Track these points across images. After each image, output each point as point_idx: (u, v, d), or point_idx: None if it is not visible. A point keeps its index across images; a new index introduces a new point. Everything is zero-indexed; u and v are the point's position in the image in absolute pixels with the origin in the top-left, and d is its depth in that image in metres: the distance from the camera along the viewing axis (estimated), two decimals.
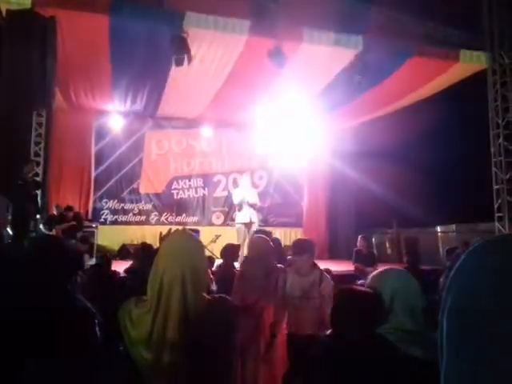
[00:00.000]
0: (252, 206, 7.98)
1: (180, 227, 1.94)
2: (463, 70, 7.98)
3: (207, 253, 9.14)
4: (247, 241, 6.54)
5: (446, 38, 7.87)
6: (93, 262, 6.65)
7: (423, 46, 7.47)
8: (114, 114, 10.19)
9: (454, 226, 9.58)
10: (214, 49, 7.08)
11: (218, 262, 5.60)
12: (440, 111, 8.24)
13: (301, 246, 3.50)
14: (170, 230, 1.97)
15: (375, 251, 8.21)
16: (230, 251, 4.79)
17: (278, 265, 3.66)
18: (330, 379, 1.63)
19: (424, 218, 8.93)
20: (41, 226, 8.56)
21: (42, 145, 9.98)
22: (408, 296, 1.67)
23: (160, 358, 1.52)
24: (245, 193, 8.10)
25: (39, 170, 9.91)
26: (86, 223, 9.24)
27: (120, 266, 5.59)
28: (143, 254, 4.31)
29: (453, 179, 8.50)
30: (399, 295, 1.65)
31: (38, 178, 9.82)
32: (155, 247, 4.56)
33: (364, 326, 1.62)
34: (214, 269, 5.13)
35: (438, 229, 9.71)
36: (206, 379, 1.58)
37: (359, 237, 7.51)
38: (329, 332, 1.80)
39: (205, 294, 1.64)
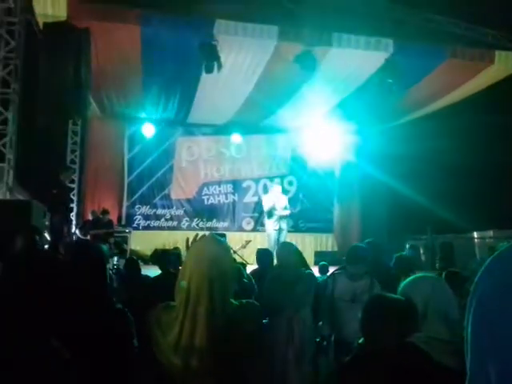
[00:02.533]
0: (282, 218, 7.99)
1: (207, 233, 1.94)
2: (499, 72, 7.73)
3: (237, 258, 9.17)
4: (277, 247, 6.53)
5: (480, 39, 7.65)
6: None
7: (457, 48, 7.29)
8: (146, 121, 10.40)
9: (491, 232, 9.26)
10: (243, 55, 7.13)
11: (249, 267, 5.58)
12: (478, 113, 8.00)
13: (356, 255, 3.43)
14: (197, 235, 1.98)
15: None
16: (264, 256, 4.77)
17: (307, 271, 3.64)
18: None
19: (460, 223, 8.68)
20: (76, 231, 8.82)
21: (78, 152, 10.30)
22: (442, 304, 1.62)
23: (188, 363, 1.53)
24: (275, 200, 8.10)
25: (75, 176, 10.22)
26: (120, 228, 9.45)
27: (153, 271, 5.65)
28: (158, 260, 4.37)
29: (491, 183, 8.23)
30: (433, 303, 1.61)
31: (73, 185, 10.15)
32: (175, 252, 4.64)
33: (396, 334, 1.57)
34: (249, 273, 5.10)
35: (475, 235, 9.40)
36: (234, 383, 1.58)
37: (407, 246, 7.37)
38: (361, 340, 1.76)
39: (232, 300, 1.63)
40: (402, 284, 1.78)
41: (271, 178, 11.41)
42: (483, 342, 0.63)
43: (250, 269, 5.24)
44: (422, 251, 10.30)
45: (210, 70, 6.79)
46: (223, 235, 9.66)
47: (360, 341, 1.75)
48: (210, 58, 6.65)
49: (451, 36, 7.47)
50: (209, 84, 7.94)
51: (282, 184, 11.02)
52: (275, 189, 8.51)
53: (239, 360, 1.59)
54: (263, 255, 4.73)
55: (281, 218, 7.99)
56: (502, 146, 7.94)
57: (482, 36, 7.69)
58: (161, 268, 4.38)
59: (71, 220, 9.56)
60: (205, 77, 7.36)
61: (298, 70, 7.05)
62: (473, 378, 0.65)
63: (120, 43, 6.64)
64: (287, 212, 8.17)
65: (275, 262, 5.68)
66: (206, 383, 1.55)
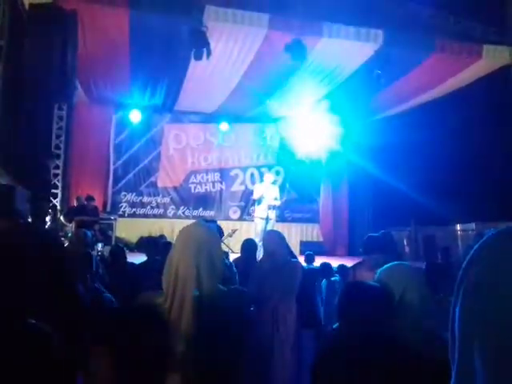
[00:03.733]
0: (271, 207, 8.00)
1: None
2: (487, 66, 7.79)
3: (223, 247, 9.18)
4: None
5: (468, 33, 7.70)
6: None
7: (445, 41, 7.32)
8: (133, 107, 10.27)
9: (473, 225, 9.39)
10: (232, 42, 7.06)
11: (233, 256, 5.61)
12: (464, 107, 8.07)
13: (372, 245, 3.40)
14: None
15: None
16: (249, 246, 4.79)
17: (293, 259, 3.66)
18: (333, 374, 1.59)
19: (443, 215, 8.78)
20: (61, 218, 8.73)
21: (63, 138, 10.14)
22: (419, 291, 1.64)
23: (175, 348, 1.53)
24: (264, 190, 8.10)
25: (60, 162, 10.08)
26: (105, 215, 9.37)
27: (138, 258, 5.64)
28: (145, 246, 4.37)
29: (475, 176, 8.33)
30: (410, 290, 1.62)
31: (58, 171, 10.01)
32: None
33: (371, 321, 1.59)
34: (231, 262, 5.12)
35: (458, 227, 9.52)
36: (220, 369, 1.58)
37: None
38: (335, 326, 1.78)
39: (220, 285, 1.64)
40: (379, 271, 1.79)
41: (258, 168, 11.44)
42: (470, 330, 0.63)
43: (233, 257, 5.27)
44: (405, 242, 10.43)
45: (199, 57, 6.72)
46: (214, 221, 9.73)
47: (334, 326, 1.78)
48: (200, 44, 6.57)
49: (440, 29, 7.50)
50: (197, 71, 7.87)
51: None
52: (267, 178, 8.53)
53: (225, 345, 1.59)
54: (247, 245, 4.76)
55: (269, 207, 8.01)
56: (486, 138, 8.03)
57: (471, 30, 7.73)
58: (148, 255, 4.37)
59: (55, 206, 9.46)
60: (194, 64, 7.29)
61: (287, 59, 7.01)
62: (459, 365, 0.65)
63: (108, 27, 6.52)
64: (277, 202, 8.18)
65: (260, 251, 5.74)
66: (191, 369, 1.55)
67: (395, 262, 1.85)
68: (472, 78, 8.07)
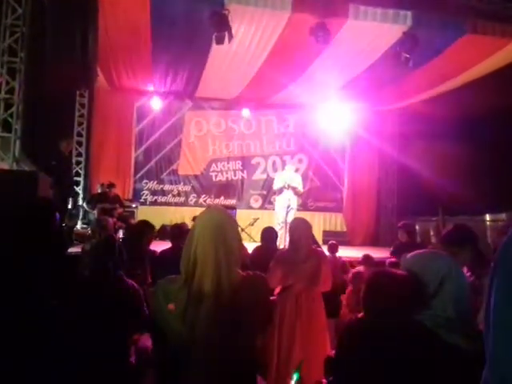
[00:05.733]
0: (293, 189, 7.92)
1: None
2: None
3: (245, 236, 9.14)
4: (288, 224, 6.50)
5: (502, 12, 7.33)
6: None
7: (477, 22, 6.99)
8: (155, 94, 10.25)
9: (504, 215, 9.06)
10: (254, 26, 6.90)
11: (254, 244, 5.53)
12: (495, 92, 7.72)
13: (454, 237, 2.71)
14: None
15: (418, 239, 7.88)
16: (269, 234, 4.76)
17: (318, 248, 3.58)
18: (358, 364, 1.54)
19: (472, 205, 8.49)
20: (84, 204, 8.81)
21: (85, 125, 10.19)
22: (458, 284, 1.56)
23: (194, 332, 1.52)
24: (287, 178, 8.04)
25: (82, 149, 10.15)
26: (127, 203, 9.41)
27: (159, 246, 5.60)
28: (173, 232, 4.33)
29: (505, 165, 8.01)
30: (450, 282, 1.54)
31: (81, 158, 10.09)
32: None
33: (397, 310, 1.53)
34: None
35: (487, 217, 9.21)
36: (239, 354, 1.56)
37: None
38: (360, 315, 1.72)
39: (239, 270, 1.62)
40: (412, 257, 1.68)
41: (281, 155, 11.31)
42: (508, 312, 0.59)
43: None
44: (432, 233, 10.16)
45: (220, 41, 6.59)
46: (233, 208, 9.72)
47: (359, 315, 1.73)
48: (221, 28, 6.43)
49: (472, 9, 7.16)
50: (219, 56, 7.75)
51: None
52: (289, 167, 8.48)
53: (244, 330, 1.56)
54: (267, 233, 4.73)
55: (292, 189, 7.95)
56: None
57: (505, 10, 7.36)
58: (172, 242, 4.34)
59: (77, 192, 9.52)
60: (215, 49, 7.17)
61: (311, 44, 6.82)
62: (494, 349, 0.61)
63: (129, 11, 6.45)
64: (299, 191, 8.12)
65: (280, 239, 5.60)
66: (211, 353, 1.52)
67: (427, 250, 1.77)
68: (506, 60, 7.71)
